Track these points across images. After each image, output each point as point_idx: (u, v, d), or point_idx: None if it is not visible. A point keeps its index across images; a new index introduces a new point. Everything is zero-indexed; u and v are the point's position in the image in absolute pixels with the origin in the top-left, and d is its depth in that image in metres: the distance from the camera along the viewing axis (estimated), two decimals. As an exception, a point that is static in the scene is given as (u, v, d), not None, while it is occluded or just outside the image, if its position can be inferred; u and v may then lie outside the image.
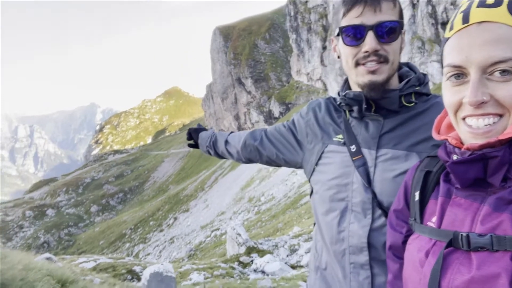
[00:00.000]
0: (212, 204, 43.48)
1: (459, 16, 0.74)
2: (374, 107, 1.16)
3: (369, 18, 1.07)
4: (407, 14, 38.18)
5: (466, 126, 0.75)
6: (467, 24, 0.72)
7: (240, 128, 71.71)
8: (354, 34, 1.09)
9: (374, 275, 1.15)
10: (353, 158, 1.18)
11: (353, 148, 1.19)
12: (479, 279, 0.67)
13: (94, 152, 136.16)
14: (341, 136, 1.25)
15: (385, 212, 1.13)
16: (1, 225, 59.56)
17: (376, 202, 1.14)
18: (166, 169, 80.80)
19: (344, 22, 1.11)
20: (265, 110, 64.63)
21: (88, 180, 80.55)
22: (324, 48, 49.46)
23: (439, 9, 33.53)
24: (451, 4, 32.07)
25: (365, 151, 1.18)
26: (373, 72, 1.10)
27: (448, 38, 0.77)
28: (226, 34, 79.19)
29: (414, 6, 36.96)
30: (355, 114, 1.21)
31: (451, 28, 0.76)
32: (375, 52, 1.08)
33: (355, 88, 1.21)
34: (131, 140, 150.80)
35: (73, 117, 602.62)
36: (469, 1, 0.74)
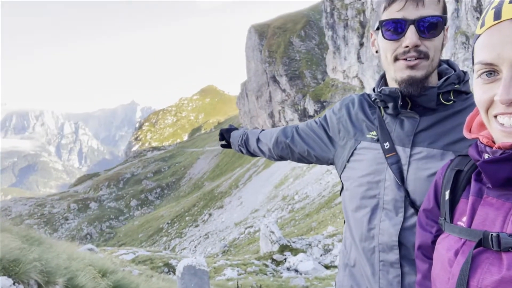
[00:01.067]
0: (246, 202, 43.78)
1: (491, 13, 0.73)
2: (410, 104, 1.14)
3: (411, 12, 1.04)
4: (450, 8, 36.45)
5: (497, 124, 0.74)
6: (499, 21, 0.70)
7: (274, 126, 71.57)
8: (395, 28, 1.07)
9: (404, 274, 1.14)
10: (387, 155, 1.16)
11: (386, 145, 1.17)
12: (509, 279, 0.66)
13: (134, 148, 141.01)
14: (374, 133, 1.23)
15: (417, 211, 1.10)
16: (48, 216, 63.25)
17: (409, 201, 1.12)
18: (201, 166, 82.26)
19: (385, 16, 1.09)
20: (299, 108, 64.13)
21: (128, 176, 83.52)
22: (361, 44, 48.28)
23: (485, 2, 31.74)
24: (499, -5, 30.34)
25: (399, 148, 1.16)
26: (412, 67, 1.07)
27: (479, 35, 0.76)
28: (261, 32, 79.24)
29: (458, -1, 35.25)
30: (390, 111, 1.19)
31: (482, 25, 0.75)
32: (416, 48, 1.06)
33: (392, 85, 1.19)
34: (168, 137, 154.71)
35: (114, 115, 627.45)
36: None
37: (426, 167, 1.11)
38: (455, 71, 1.18)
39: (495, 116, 0.74)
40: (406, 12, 1.05)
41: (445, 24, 1.09)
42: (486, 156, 0.77)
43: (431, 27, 1.05)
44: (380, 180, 1.17)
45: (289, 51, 70.69)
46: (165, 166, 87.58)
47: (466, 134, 0.86)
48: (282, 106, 68.63)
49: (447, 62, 1.23)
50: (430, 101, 1.12)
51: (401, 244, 1.13)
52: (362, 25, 48.76)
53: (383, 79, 1.26)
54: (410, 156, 1.14)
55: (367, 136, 1.25)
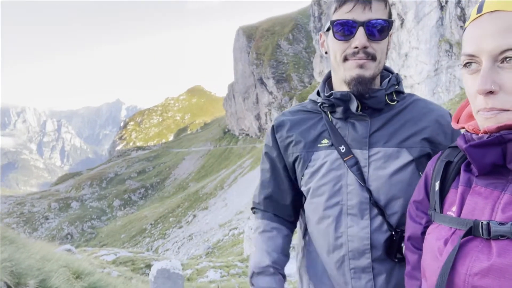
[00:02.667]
0: (231, 203, 43.63)
1: (475, 7, 0.76)
2: (360, 107, 1.16)
3: (360, 15, 1.08)
4: (434, 16, 37.14)
5: (481, 112, 0.75)
6: (480, 14, 0.73)
7: (260, 128, 71.74)
8: (345, 29, 1.10)
9: (375, 276, 1.14)
10: (345, 159, 1.16)
11: (342, 148, 1.17)
12: (499, 266, 0.66)
13: (118, 147, 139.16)
14: (326, 140, 1.21)
15: (381, 211, 1.12)
16: (28, 215, 61.78)
17: (373, 201, 1.12)
18: (186, 166, 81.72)
19: (335, 17, 1.12)
20: (286, 110, 64.33)
21: (112, 175, 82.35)
22: (348, 49, 48.81)
23: (468, 11, 32.46)
24: (482, 5, 31.11)
25: (356, 151, 1.16)
26: (361, 66, 1.10)
27: (465, 28, 0.79)
28: (249, 34, 79.33)
29: (442, 8, 35.94)
30: (339, 115, 1.19)
31: (468, 18, 0.79)
32: (364, 49, 1.09)
33: (339, 88, 1.20)
34: (153, 137, 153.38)
35: (99, 113, 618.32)
36: None
37: (385, 166, 1.13)
38: (392, 73, 1.23)
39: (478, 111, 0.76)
40: (355, 14, 1.08)
41: (390, 29, 1.13)
42: (472, 142, 0.78)
43: (379, 30, 1.09)
44: (342, 186, 1.16)
45: (276, 53, 70.95)
46: (149, 166, 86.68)
47: (454, 124, 0.87)
48: (269, 108, 68.77)
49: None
50: (379, 102, 1.16)
51: (372, 246, 1.13)
52: (349, 30, 49.25)
53: (326, 84, 1.26)
54: (369, 157, 1.15)
55: (319, 145, 1.22)
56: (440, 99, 34.40)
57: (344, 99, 1.15)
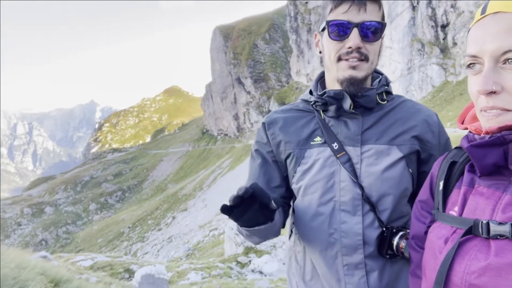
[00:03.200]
0: (210, 204, 43.40)
1: (480, 8, 0.77)
2: (352, 105, 1.19)
3: (355, 16, 1.11)
4: (407, 16, 38.09)
5: (484, 112, 0.76)
6: (484, 15, 0.74)
7: (239, 128, 71.70)
8: (340, 30, 1.12)
9: (368, 273, 1.15)
10: (337, 155, 1.18)
11: (335, 145, 1.19)
12: (496, 266, 0.67)
13: (93, 150, 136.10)
14: (318, 138, 1.23)
15: (373, 207, 1.15)
16: (0, 222, 59.51)
17: (365, 197, 1.15)
18: (164, 168, 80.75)
19: (331, 18, 1.14)
20: (264, 110, 64.59)
21: (87, 178, 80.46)
22: (324, 48, 49.48)
23: (439, 11, 33.49)
24: (451, 6, 32.08)
25: (349, 149, 1.18)
26: (354, 68, 1.13)
27: (470, 29, 0.79)
28: (226, 33, 79.13)
29: (414, 8, 36.88)
30: (331, 113, 1.21)
31: (474, 19, 0.79)
32: (358, 50, 1.12)
33: (333, 86, 1.22)
34: (130, 139, 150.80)
35: (72, 115, 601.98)
36: None
37: (377, 163, 1.16)
38: (381, 75, 1.26)
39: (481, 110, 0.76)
40: (350, 15, 1.11)
41: (383, 31, 1.16)
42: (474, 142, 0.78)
43: (372, 31, 1.12)
44: (335, 183, 1.17)
45: (254, 53, 71.07)
46: (126, 169, 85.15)
47: (458, 125, 0.88)
48: (247, 108, 68.83)
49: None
50: (371, 101, 1.19)
51: (364, 242, 1.14)
52: (325, 30, 49.93)
53: (319, 83, 1.29)
54: (361, 154, 1.17)
55: (312, 143, 1.24)
56: (413, 97, 35.30)
57: (337, 97, 1.18)
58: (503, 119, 0.72)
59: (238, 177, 45.48)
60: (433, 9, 33.56)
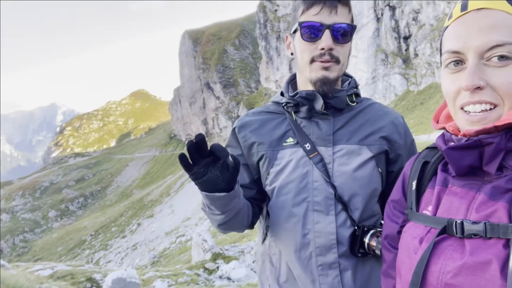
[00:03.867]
0: (177, 210, 42.73)
1: (458, 5, 0.77)
2: (323, 106, 1.21)
3: (326, 18, 1.13)
4: (371, 27, 39.54)
5: (463, 113, 0.75)
6: (466, 12, 0.74)
7: (208, 133, 71.23)
8: (312, 32, 1.14)
9: (341, 272, 1.16)
10: (310, 156, 1.19)
11: (307, 146, 1.21)
12: (471, 265, 0.68)
13: (54, 154, 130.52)
14: (291, 139, 1.25)
15: (345, 206, 1.16)
16: None
17: (337, 197, 1.16)
18: (130, 173, 78.68)
19: (303, 19, 1.16)
20: (233, 115, 64.62)
21: (47, 184, 76.97)
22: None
23: (402, 23, 35.04)
24: (413, 19, 33.63)
25: (321, 149, 1.20)
26: (326, 69, 1.16)
27: (447, 26, 0.79)
28: (195, 38, 78.71)
29: (378, 20, 38.37)
30: (303, 114, 1.24)
31: (450, 17, 0.78)
32: (329, 51, 1.14)
33: (304, 88, 1.24)
34: (93, 143, 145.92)
35: (32, 118, 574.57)
36: None
37: (348, 162, 1.19)
38: (351, 77, 1.31)
39: (462, 108, 0.76)
40: (322, 17, 1.13)
41: (353, 34, 1.19)
42: (451, 144, 0.78)
43: (342, 33, 1.15)
44: (308, 183, 1.19)
45: (223, 58, 71.09)
46: (89, 174, 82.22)
47: (433, 125, 0.88)
48: (216, 113, 68.57)
49: None
50: (342, 102, 1.22)
51: (338, 242, 1.15)
52: (294, 37, 50.83)
53: (290, 85, 1.32)
54: (333, 154, 1.20)
55: (284, 144, 1.25)
56: (377, 105, 36.49)
57: (309, 98, 1.20)
58: (491, 117, 0.72)
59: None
60: (396, 21, 35.04)
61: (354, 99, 1.28)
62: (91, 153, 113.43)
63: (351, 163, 1.18)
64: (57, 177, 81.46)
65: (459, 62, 0.75)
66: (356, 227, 1.15)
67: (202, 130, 72.52)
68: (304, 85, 1.24)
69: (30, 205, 67.02)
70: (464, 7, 0.75)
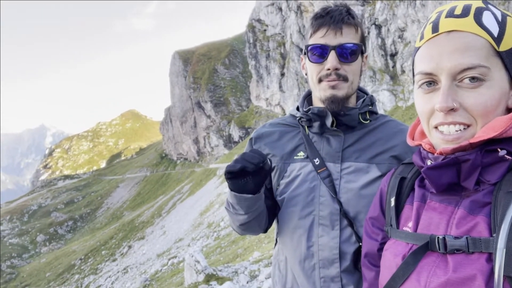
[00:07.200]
0: (169, 231, 42.00)
1: (429, 27, 0.77)
2: (335, 123, 1.24)
3: (332, 39, 1.19)
4: (359, 45, 40.40)
5: (438, 133, 0.76)
6: (437, 33, 0.74)
7: (199, 152, 70.98)
8: (318, 53, 1.21)
9: (343, 286, 1.18)
10: (318, 171, 1.22)
11: (316, 161, 1.24)
12: (455, 281, 0.67)
13: (42, 177, 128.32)
14: (302, 153, 1.29)
15: (351, 222, 1.18)
16: None
17: (343, 213, 1.18)
18: (120, 194, 77.55)
19: (311, 42, 1.23)
20: (224, 134, 64.62)
21: (35, 207, 75.34)
22: (282, 74, 50.82)
23: (388, 41, 35.95)
24: (399, 37, 34.46)
25: (330, 165, 1.24)
26: (333, 87, 1.20)
27: (419, 47, 0.79)
28: (186, 58, 79.34)
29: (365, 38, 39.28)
30: (315, 129, 1.28)
31: (422, 38, 0.79)
32: (336, 71, 1.19)
33: (318, 104, 1.29)
34: (83, 165, 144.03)
35: (20, 140, 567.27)
36: (437, 13, 0.77)
37: (356, 180, 1.21)
38: (367, 94, 1.35)
39: (436, 127, 0.76)
40: (327, 39, 1.19)
41: (362, 52, 1.23)
42: (428, 162, 0.79)
43: (349, 53, 1.19)
44: (315, 197, 1.22)
45: (213, 78, 71.58)
46: (78, 196, 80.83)
47: (409, 141, 0.88)
48: (207, 132, 68.51)
49: (358, 87, 1.38)
50: (353, 120, 1.25)
51: (341, 256, 1.18)
52: (283, 56, 51.55)
53: (306, 100, 1.37)
54: (341, 170, 1.23)
55: (295, 157, 1.30)
56: (367, 121, 36.97)
57: (320, 115, 1.24)
58: (462, 138, 0.72)
59: (198, 201, 44.64)
60: (383, 39, 35.85)
61: (368, 117, 1.30)
62: (80, 175, 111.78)
63: (358, 180, 1.21)
64: (45, 200, 79.89)
65: (431, 82, 0.75)
66: (361, 244, 1.16)
67: (193, 149, 72.29)
68: (317, 102, 1.29)
69: (18, 230, 65.39)
70: (435, 29, 0.75)
